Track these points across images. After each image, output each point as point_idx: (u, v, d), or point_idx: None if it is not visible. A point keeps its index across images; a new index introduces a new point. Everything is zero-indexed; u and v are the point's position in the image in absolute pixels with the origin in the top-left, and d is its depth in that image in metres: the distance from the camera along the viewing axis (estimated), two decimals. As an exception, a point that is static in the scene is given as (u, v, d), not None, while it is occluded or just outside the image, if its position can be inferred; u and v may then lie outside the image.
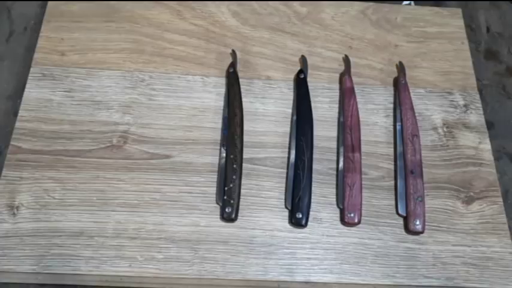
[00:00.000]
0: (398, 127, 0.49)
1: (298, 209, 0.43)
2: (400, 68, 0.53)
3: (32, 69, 0.50)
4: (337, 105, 0.51)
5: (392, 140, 0.49)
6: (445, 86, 0.53)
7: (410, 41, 0.56)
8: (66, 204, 0.43)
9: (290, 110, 0.50)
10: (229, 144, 0.46)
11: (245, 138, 0.47)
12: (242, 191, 0.45)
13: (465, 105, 0.52)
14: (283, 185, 0.46)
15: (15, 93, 0.51)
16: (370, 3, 0.59)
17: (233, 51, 0.53)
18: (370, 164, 0.48)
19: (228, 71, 0.51)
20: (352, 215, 0.44)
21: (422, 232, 0.44)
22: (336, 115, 0.51)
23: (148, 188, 0.45)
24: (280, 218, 0.44)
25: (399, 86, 0.51)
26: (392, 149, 0.49)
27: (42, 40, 0.52)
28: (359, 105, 0.49)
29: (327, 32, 0.56)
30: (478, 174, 0.48)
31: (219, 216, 0.44)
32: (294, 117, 0.49)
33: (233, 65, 0.51)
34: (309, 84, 0.51)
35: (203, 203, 0.44)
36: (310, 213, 0.44)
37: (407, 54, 0.55)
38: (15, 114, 0.48)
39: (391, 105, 0.52)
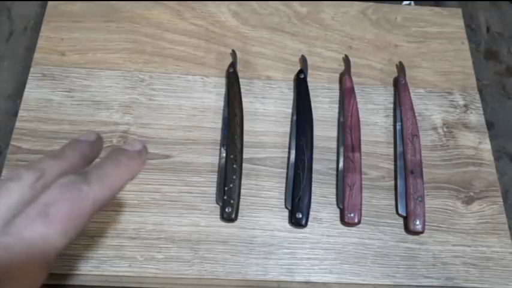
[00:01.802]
0: (398, 127, 0.49)
1: (298, 209, 0.43)
2: (400, 68, 0.53)
3: (32, 69, 0.50)
4: (337, 105, 0.51)
5: (392, 140, 0.49)
6: (445, 86, 0.53)
7: (410, 41, 0.56)
8: (66, 204, 0.43)
9: (290, 110, 0.50)
10: (229, 144, 0.46)
11: (245, 138, 0.47)
12: (242, 191, 0.45)
13: (465, 105, 0.52)
14: (283, 185, 0.46)
15: (15, 93, 0.51)
16: (370, 3, 0.59)
17: (233, 51, 0.53)
18: (370, 164, 0.48)
19: (228, 71, 0.51)
20: (352, 215, 0.44)
21: (422, 232, 0.44)
22: (336, 115, 0.51)
23: (148, 188, 0.45)
24: (280, 218, 0.44)
25: (399, 86, 0.51)
26: (392, 149, 0.49)
27: (42, 40, 0.52)
28: (359, 105, 0.49)
29: (327, 32, 0.56)
30: (478, 174, 0.48)
31: (219, 216, 0.44)
32: (294, 117, 0.49)
33: (233, 65, 0.51)
34: (309, 84, 0.51)
35: (203, 203, 0.44)
36: (310, 213, 0.44)
37: (407, 54, 0.55)
38: (15, 114, 0.48)
39: (391, 105, 0.52)
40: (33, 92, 0.49)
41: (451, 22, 0.58)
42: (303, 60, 0.53)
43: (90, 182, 0.24)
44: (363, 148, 0.47)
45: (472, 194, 0.47)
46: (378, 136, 0.50)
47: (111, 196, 0.26)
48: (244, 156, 0.46)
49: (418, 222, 0.44)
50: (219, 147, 0.47)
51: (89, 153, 0.28)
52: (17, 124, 0.47)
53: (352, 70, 0.52)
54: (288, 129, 0.49)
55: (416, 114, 0.49)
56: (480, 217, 0.46)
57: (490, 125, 0.53)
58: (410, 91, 0.51)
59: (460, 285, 0.43)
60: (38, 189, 0.23)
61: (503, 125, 0.54)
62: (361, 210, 0.44)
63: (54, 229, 0.22)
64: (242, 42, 0.54)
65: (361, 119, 0.48)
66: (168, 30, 0.54)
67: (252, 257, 0.42)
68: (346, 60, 0.53)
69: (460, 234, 0.45)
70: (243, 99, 0.49)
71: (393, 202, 0.46)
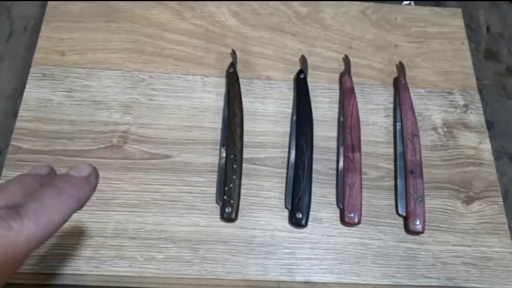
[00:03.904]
0: (398, 127, 0.49)
1: (298, 209, 0.43)
2: (400, 68, 0.53)
3: (32, 69, 0.50)
4: (337, 105, 0.51)
5: (392, 140, 0.49)
6: (445, 86, 0.53)
7: (410, 41, 0.56)
8: (66, 204, 0.43)
9: (290, 110, 0.50)
10: (229, 144, 0.46)
11: (245, 138, 0.47)
12: (242, 191, 0.45)
13: (465, 105, 0.52)
14: (283, 185, 0.46)
15: (15, 93, 0.51)
16: (370, 3, 0.59)
17: (233, 51, 0.53)
18: (370, 164, 0.48)
19: (228, 71, 0.51)
20: (352, 215, 0.44)
21: (422, 232, 0.44)
22: (336, 115, 0.51)
23: (148, 188, 0.45)
24: (280, 218, 0.44)
25: (399, 86, 0.51)
26: (392, 149, 0.49)
27: (42, 40, 0.52)
28: (359, 105, 0.49)
29: (327, 32, 0.56)
30: (478, 174, 0.48)
31: (219, 216, 0.44)
32: (294, 117, 0.49)
33: (233, 65, 0.51)
34: (309, 84, 0.51)
35: (203, 203, 0.44)
36: (310, 213, 0.44)
37: (407, 54, 0.55)
38: (15, 114, 0.48)
39: (391, 105, 0.52)
40: (33, 92, 0.49)
41: (451, 22, 0.58)
42: (303, 60, 0.53)
43: (23, 217, 0.21)
44: (363, 148, 0.47)
45: (472, 194, 0.47)
46: (377, 136, 0.50)
47: (50, 232, 0.22)
48: (244, 156, 0.46)
49: (418, 222, 0.44)
50: (219, 147, 0.47)
51: (37, 188, 0.24)
52: (17, 124, 0.47)
53: (352, 70, 0.52)
54: (288, 129, 0.49)
55: (416, 114, 0.49)
56: (480, 217, 0.46)
57: (490, 125, 0.53)
58: (410, 91, 0.51)
59: (460, 285, 0.43)
60: None
61: (503, 125, 0.54)
62: (361, 210, 0.44)
63: None
64: (242, 42, 0.54)
65: (361, 119, 0.48)
66: (168, 30, 0.54)
67: (252, 257, 0.42)
68: (346, 60, 0.53)
69: (460, 234, 0.45)
70: (243, 99, 0.49)
71: (393, 202, 0.46)
